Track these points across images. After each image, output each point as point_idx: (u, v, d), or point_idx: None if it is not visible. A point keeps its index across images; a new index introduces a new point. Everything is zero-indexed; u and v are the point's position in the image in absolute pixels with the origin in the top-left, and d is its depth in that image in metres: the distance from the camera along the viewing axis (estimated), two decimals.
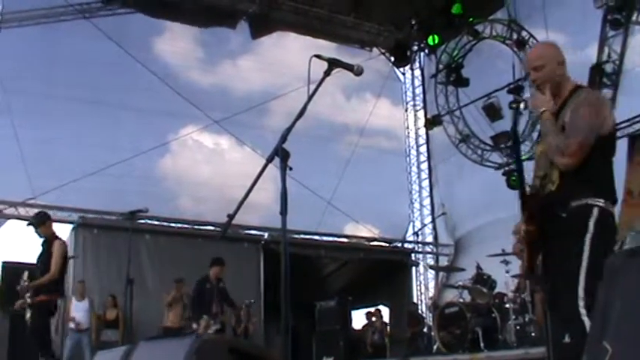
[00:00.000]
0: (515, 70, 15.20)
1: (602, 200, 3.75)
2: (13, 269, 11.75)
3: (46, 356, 7.98)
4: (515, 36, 15.62)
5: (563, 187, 3.87)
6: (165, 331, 12.27)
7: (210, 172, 16.53)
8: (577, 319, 3.59)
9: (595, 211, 3.71)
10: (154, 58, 15.69)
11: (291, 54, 17.18)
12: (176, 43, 16.64)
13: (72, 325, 12.13)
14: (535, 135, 15.20)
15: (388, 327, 16.29)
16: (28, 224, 8.46)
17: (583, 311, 3.55)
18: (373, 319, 16.24)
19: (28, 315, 8.00)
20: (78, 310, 12.32)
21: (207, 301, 10.76)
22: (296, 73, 15.56)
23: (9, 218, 13.71)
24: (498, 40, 16.05)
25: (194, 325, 10.47)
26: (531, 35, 15.32)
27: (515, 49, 15.62)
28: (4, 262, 12.84)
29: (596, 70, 13.61)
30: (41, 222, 8.35)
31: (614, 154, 3.94)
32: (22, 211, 14.11)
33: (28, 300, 7.90)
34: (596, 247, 3.62)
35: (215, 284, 10.73)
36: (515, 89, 15.13)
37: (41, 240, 8.35)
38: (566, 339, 3.85)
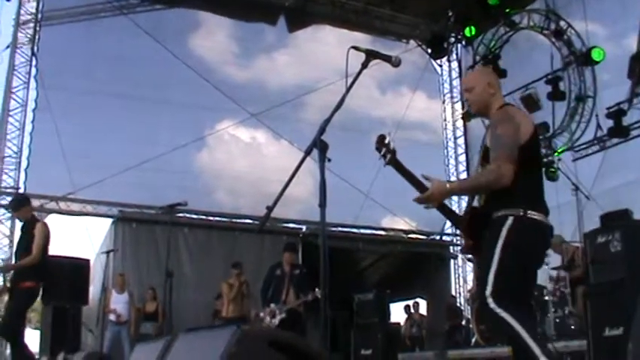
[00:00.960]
0: (553, 60, 15.03)
1: (519, 210, 4.00)
2: (54, 263, 11.92)
3: (18, 346, 7.53)
4: (552, 26, 15.40)
5: (488, 202, 4.22)
6: (224, 322, 11.81)
7: (247, 166, 16.57)
8: (493, 318, 3.91)
9: (509, 220, 4.00)
10: (189, 54, 15.75)
11: (326, 47, 17.14)
12: (211, 38, 16.71)
13: (112, 317, 12.30)
14: (574, 126, 15.04)
15: (426, 320, 16.27)
16: (6, 208, 8.31)
17: (493, 306, 3.87)
18: (411, 311, 16.22)
19: (6, 298, 7.76)
20: (118, 302, 12.49)
21: (277, 289, 10.49)
22: (331, 66, 15.56)
23: (50, 213, 13.87)
24: (536, 31, 15.85)
25: (260, 314, 10.12)
26: (569, 25, 15.11)
27: (553, 40, 15.42)
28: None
29: (636, 61, 13.38)
30: (19, 205, 8.14)
31: (537, 164, 4.23)
32: (62, 205, 14.31)
33: (8, 284, 7.80)
34: (507, 253, 3.93)
35: (288, 271, 10.35)
36: (553, 80, 14.96)
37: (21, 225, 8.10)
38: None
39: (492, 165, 4.04)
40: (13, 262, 8.13)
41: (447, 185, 4.32)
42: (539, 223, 4.08)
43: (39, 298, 8.86)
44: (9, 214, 13.10)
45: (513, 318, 3.81)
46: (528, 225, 4.04)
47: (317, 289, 9.92)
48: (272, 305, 10.29)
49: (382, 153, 4.32)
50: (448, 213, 4.56)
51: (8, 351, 11.65)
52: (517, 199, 4.04)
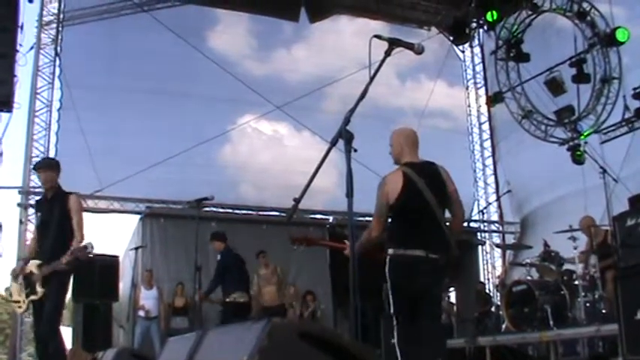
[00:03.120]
0: (576, 42, 14.86)
1: (392, 249, 5.30)
2: (84, 261, 12.03)
3: (56, 342, 6.68)
4: (575, 7, 15.22)
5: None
6: (264, 311, 11.77)
7: (270, 158, 16.63)
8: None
9: (387, 258, 5.32)
10: (208, 49, 15.79)
11: (344, 38, 17.17)
12: (229, 33, 16.75)
13: (141, 312, 12.39)
14: (599, 108, 14.88)
15: (455, 307, 16.21)
16: (35, 168, 7.37)
17: (394, 320, 5.23)
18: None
19: (39, 292, 6.70)
20: (147, 298, 12.58)
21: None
22: (350, 56, 15.53)
23: None
24: (558, 13, 15.66)
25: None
26: (593, 6, 14.91)
27: (577, 21, 15.24)
28: None
29: None
30: (55, 166, 7.24)
31: (410, 212, 5.31)
32: (90, 203, 14.43)
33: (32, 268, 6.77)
34: (391, 281, 5.32)
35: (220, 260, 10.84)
36: (577, 62, 14.80)
37: (41, 197, 7.31)
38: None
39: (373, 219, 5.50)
40: (36, 240, 7.13)
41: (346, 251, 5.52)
42: (407, 257, 5.21)
43: (69, 295, 8.54)
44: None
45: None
46: (398, 258, 5.26)
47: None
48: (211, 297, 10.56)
49: (303, 245, 6.29)
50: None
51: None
52: (392, 242, 5.33)
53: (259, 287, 11.95)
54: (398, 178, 5.36)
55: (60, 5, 14.98)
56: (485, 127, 19.03)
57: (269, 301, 11.88)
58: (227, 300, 10.67)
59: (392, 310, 5.23)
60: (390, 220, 5.43)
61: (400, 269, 5.24)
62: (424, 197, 5.29)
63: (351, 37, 16.92)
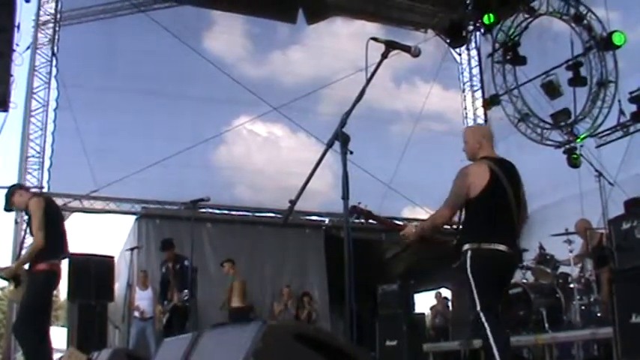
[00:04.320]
0: (573, 46, 14.89)
1: (475, 244, 5.22)
2: (80, 261, 12.05)
3: (29, 341, 6.64)
4: (572, 11, 15.26)
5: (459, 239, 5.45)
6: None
7: (266, 160, 16.62)
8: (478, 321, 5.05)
9: (468, 253, 5.22)
10: (203, 50, 15.77)
11: (339, 41, 17.13)
12: (225, 35, 16.73)
13: (136, 313, 12.38)
14: (595, 111, 14.90)
15: (450, 310, 16.23)
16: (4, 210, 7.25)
17: (481, 314, 5.06)
18: (434, 302, 16.21)
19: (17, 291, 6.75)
20: (142, 298, 12.56)
21: (164, 287, 11.02)
22: (345, 59, 15.52)
23: (73, 211, 13.99)
24: (555, 16, 15.70)
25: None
26: (589, 10, 14.95)
27: (573, 25, 15.27)
28: (70, 254, 13.12)
29: None
30: (9, 196, 7.14)
31: (493, 207, 5.26)
32: (86, 203, 14.41)
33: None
34: (476, 275, 5.17)
35: (171, 267, 10.85)
36: (574, 65, 14.83)
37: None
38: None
39: (442, 206, 5.44)
40: None
41: (414, 229, 5.67)
42: (491, 251, 5.17)
43: (64, 296, 8.49)
44: None
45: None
46: (482, 253, 5.19)
47: (185, 291, 10.21)
48: (165, 303, 10.54)
49: (360, 218, 5.80)
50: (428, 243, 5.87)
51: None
52: (473, 236, 5.27)
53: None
54: (484, 172, 5.36)
55: (57, 5, 14.93)
56: None
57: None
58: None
59: (478, 306, 5.08)
60: (465, 212, 5.42)
61: (486, 263, 5.19)
62: (507, 194, 5.32)
63: (346, 39, 16.91)
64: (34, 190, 12.63)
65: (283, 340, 3.05)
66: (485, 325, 4.98)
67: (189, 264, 10.21)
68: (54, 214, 7.04)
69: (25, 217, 7.06)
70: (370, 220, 5.88)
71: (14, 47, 12.61)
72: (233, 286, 12.65)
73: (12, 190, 7.21)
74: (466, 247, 5.26)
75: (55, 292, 7.55)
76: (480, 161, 5.50)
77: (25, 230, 7.12)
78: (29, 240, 7.01)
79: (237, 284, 12.67)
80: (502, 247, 5.18)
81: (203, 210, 13.75)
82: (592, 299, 9.02)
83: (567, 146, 14.90)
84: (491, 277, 5.21)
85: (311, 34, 17.61)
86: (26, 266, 6.83)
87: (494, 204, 5.27)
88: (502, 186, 5.30)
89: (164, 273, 10.89)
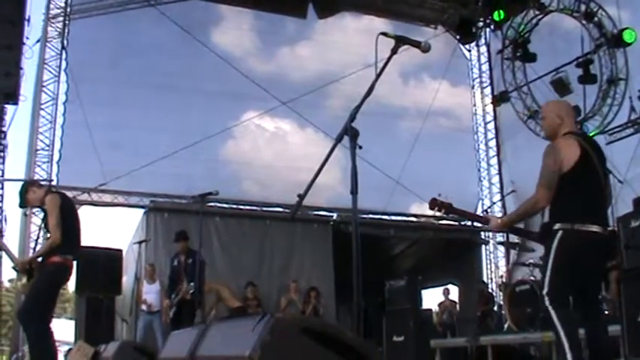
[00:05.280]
0: (583, 43, 14.84)
1: (567, 224, 4.85)
2: (88, 254, 12.08)
3: (37, 333, 6.65)
4: (583, 8, 15.21)
5: (548, 218, 5.08)
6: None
7: (274, 155, 16.62)
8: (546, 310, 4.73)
9: (559, 233, 4.85)
10: (212, 45, 15.80)
11: (347, 36, 17.12)
12: (234, 30, 16.75)
13: (144, 306, 12.40)
14: (605, 109, 14.86)
15: (457, 306, 16.23)
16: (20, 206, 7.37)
17: (547, 302, 4.71)
18: (442, 298, 16.20)
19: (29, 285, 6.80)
20: (149, 292, 12.56)
21: (175, 280, 10.84)
22: (353, 54, 15.49)
23: (82, 204, 14.01)
24: (565, 13, 15.65)
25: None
26: (600, 6, 14.89)
27: (584, 22, 15.22)
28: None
29: None
30: (23, 193, 7.22)
31: (585, 184, 4.92)
32: (94, 197, 14.45)
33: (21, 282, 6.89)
34: (559, 258, 4.80)
35: (183, 260, 10.77)
36: (584, 63, 14.78)
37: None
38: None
39: (537, 186, 5.06)
40: None
41: (499, 220, 5.52)
42: (581, 234, 4.80)
43: (73, 289, 8.52)
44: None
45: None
46: (576, 236, 4.81)
47: (191, 284, 10.16)
48: (172, 297, 10.52)
49: (442, 212, 5.63)
50: (525, 233, 5.91)
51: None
52: (565, 215, 4.89)
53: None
54: (573, 146, 5.00)
55: None
56: (491, 126, 18.99)
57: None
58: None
59: (545, 289, 4.75)
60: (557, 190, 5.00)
61: (577, 245, 4.81)
62: (598, 172, 5.03)
63: (355, 34, 16.89)
64: (43, 182, 12.70)
65: (290, 334, 3.05)
66: (555, 319, 4.63)
67: (200, 258, 10.21)
68: (69, 211, 7.08)
69: (34, 211, 7.11)
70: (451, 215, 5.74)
71: (24, 40, 12.63)
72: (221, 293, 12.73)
73: (25, 188, 7.29)
74: (557, 226, 4.89)
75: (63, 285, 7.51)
76: (567, 136, 5.12)
77: (40, 226, 7.28)
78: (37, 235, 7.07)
79: (224, 290, 12.75)
80: (596, 229, 4.83)
81: (211, 204, 13.75)
82: (600, 297, 8.99)
83: None
84: (576, 262, 4.82)
85: (319, 30, 17.60)
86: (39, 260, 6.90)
87: (586, 181, 4.96)
88: (592, 162, 4.99)
89: (175, 266, 10.82)
